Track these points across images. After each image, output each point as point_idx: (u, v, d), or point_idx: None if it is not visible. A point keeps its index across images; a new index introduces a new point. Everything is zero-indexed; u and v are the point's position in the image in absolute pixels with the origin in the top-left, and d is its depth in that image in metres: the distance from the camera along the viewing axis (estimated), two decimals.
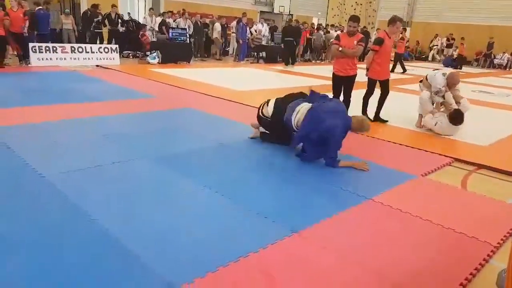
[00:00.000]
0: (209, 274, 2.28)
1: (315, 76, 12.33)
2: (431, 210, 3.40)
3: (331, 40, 18.03)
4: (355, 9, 26.23)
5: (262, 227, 2.90)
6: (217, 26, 15.57)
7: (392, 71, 15.71)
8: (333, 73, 6.27)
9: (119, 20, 14.22)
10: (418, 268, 2.56)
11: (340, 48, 5.94)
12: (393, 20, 6.20)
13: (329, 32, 18.80)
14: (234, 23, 16.59)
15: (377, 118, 6.48)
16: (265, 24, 16.39)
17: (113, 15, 13.83)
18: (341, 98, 6.20)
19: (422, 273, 2.51)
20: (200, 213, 3.07)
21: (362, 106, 6.47)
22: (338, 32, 15.29)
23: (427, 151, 5.10)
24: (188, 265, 2.37)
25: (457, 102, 6.06)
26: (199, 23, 15.10)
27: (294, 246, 2.69)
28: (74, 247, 2.47)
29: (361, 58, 17.54)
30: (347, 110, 5.90)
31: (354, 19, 5.96)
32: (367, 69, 6.45)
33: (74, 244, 2.51)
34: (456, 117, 5.74)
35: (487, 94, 11.41)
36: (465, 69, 19.56)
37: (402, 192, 3.81)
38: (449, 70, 6.89)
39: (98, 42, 13.39)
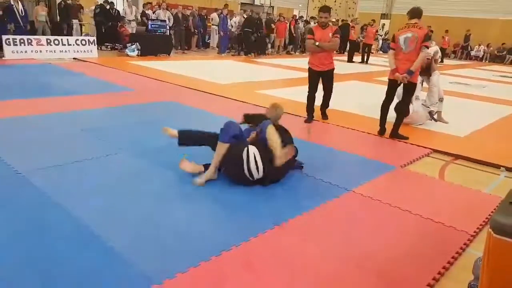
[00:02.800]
0: (191, 269, 2.27)
1: (295, 68, 12.34)
2: (410, 201, 3.46)
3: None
4: (335, 1, 26.30)
5: (244, 221, 2.90)
6: (215, 16, 15.57)
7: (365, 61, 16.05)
8: (309, 68, 5.85)
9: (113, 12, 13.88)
10: (399, 256, 2.60)
11: (317, 43, 5.55)
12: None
13: (309, 23, 18.86)
14: (214, 15, 16.46)
15: (396, 134, 5.36)
16: (244, 16, 16.30)
17: (106, 7, 13.56)
18: (317, 93, 5.90)
19: (403, 261, 2.55)
20: (181, 207, 3.05)
21: (381, 117, 5.46)
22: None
23: (406, 142, 5.18)
24: (170, 260, 2.35)
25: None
26: (179, 14, 14.91)
27: (277, 238, 2.70)
28: (53, 243, 2.42)
29: (340, 51, 17.82)
30: (329, 100, 6.01)
31: (325, 9, 5.60)
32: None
33: (53, 240, 2.46)
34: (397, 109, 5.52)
35: (464, 85, 11.64)
36: (444, 60, 19.91)
37: (382, 183, 3.87)
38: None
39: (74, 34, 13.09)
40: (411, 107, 5.87)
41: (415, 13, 5.04)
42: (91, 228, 2.61)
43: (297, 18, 20.09)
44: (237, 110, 5.34)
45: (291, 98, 7.28)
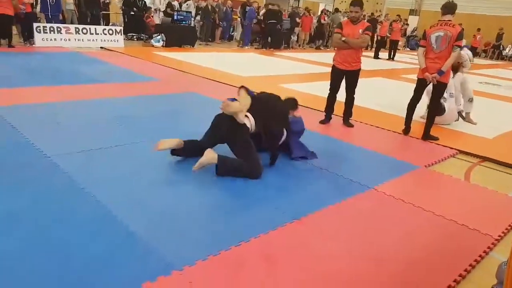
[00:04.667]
0: (211, 257, 2.30)
1: (320, 63, 12.22)
2: (434, 201, 3.40)
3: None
4: None
5: (264, 213, 2.91)
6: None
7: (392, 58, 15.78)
8: (333, 65, 5.38)
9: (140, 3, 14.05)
10: (418, 257, 2.57)
11: (343, 38, 5.11)
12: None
13: (339, 11, 18.58)
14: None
15: (428, 135, 5.19)
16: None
17: None
18: (340, 94, 5.48)
19: (422, 262, 2.52)
20: (202, 197, 3.08)
21: (406, 116, 5.35)
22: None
23: (431, 142, 5.08)
24: (190, 247, 2.39)
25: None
26: (209, 7, 14.96)
27: (295, 232, 2.70)
28: (76, 226, 2.49)
29: (366, 47, 17.48)
30: (351, 108, 5.49)
31: (356, 3, 5.10)
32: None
33: (76, 222, 2.53)
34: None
35: (493, 86, 11.32)
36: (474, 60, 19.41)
37: (405, 183, 3.81)
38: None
39: (103, 23, 13.29)
40: (445, 105, 5.74)
41: (449, 8, 4.84)
42: (114, 213, 2.67)
43: (326, 11, 19.81)
44: None
45: (316, 93, 7.23)
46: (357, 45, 5.14)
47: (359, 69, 5.36)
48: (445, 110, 5.75)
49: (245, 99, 3.64)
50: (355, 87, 5.42)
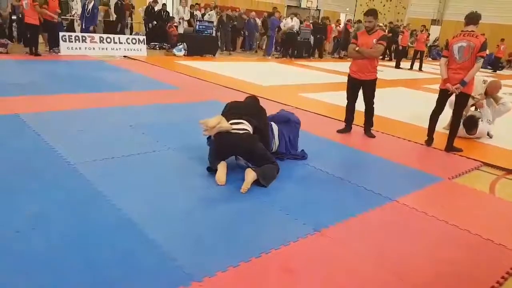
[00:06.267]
0: (231, 268, 2.29)
1: (341, 72, 12.16)
2: (457, 215, 3.32)
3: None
4: (384, 6, 25.74)
5: (285, 224, 2.89)
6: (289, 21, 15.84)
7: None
8: (349, 75, 5.41)
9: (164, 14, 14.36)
10: (441, 272, 2.50)
11: (357, 48, 5.15)
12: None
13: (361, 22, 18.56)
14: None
15: (451, 147, 5.07)
16: (294, 18, 16.27)
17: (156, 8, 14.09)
18: (360, 104, 5.46)
19: (445, 277, 2.45)
20: (222, 206, 3.09)
21: (429, 127, 5.25)
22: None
23: (455, 153, 4.97)
24: (210, 257, 2.38)
25: (498, 103, 5.95)
26: (224, 17, 15.13)
27: (316, 244, 2.67)
28: (97, 232, 2.53)
29: (384, 57, 17.33)
30: (372, 118, 5.45)
31: (370, 12, 5.13)
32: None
33: (97, 228, 2.57)
34: (467, 124, 5.56)
35: None
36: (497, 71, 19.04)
37: (428, 195, 3.73)
38: (489, 78, 6.70)
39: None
40: (485, 126, 5.70)
41: (472, 19, 4.77)
42: (134, 220, 2.69)
43: (352, 21, 19.72)
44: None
45: (338, 103, 7.19)
46: (369, 55, 5.13)
47: (375, 79, 5.32)
48: (477, 130, 5.67)
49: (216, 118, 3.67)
50: (373, 97, 5.37)
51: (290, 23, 15.86)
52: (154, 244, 2.45)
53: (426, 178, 4.08)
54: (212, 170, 3.62)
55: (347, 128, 5.58)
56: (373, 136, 5.46)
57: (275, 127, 4.14)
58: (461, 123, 5.33)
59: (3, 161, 3.51)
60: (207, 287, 2.12)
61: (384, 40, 5.22)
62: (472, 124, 5.62)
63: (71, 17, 12.92)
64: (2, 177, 3.18)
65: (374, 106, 5.42)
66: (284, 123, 4.25)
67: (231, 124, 3.62)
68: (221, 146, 3.64)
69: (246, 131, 3.63)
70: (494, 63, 19.69)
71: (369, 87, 5.33)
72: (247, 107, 3.99)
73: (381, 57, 5.48)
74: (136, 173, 3.51)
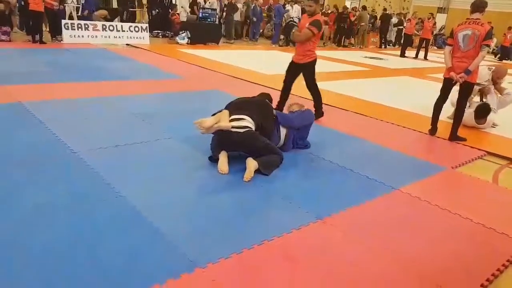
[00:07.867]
0: (234, 255, 2.31)
1: (340, 60, 12.09)
2: (460, 204, 3.32)
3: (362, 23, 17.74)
4: None
5: (287, 212, 2.91)
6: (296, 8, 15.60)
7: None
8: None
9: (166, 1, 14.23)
10: (444, 261, 2.52)
11: (293, 30, 5.22)
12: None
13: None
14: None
15: (455, 137, 5.05)
16: (295, 6, 16.11)
17: None
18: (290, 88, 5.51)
19: (448, 266, 2.47)
20: (226, 194, 3.10)
21: (433, 116, 5.22)
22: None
23: (458, 143, 4.96)
24: (213, 245, 2.40)
25: (503, 93, 5.91)
26: (223, 3, 15.00)
27: (319, 232, 2.68)
28: (101, 221, 2.54)
29: (337, 42, 17.01)
30: (319, 102, 5.43)
31: None
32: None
33: (101, 217, 2.58)
34: (479, 111, 5.55)
35: None
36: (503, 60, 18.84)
37: (431, 184, 3.74)
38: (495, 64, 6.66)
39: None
40: (488, 117, 5.64)
41: (478, 6, 4.70)
42: (138, 209, 2.71)
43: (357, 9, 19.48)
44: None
45: (339, 91, 7.16)
46: (294, 38, 5.27)
47: (307, 63, 5.27)
48: (486, 120, 5.63)
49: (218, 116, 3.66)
50: (310, 80, 5.37)
51: (291, 13, 15.74)
52: (158, 232, 2.47)
53: (429, 167, 4.08)
54: (214, 160, 3.63)
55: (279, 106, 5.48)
56: (321, 115, 5.44)
57: (283, 130, 4.02)
58: (473, 112, 5.33)
59: (8, 149, 3.53)
60: (210, 273, 2.14)
61: (315, 25, 5.02)
62: (485, 112, 5.58)
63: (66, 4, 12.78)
64: (6, 165, 3.20)
65: (318, 89, 5.41)
66: (297, 130, 4.15)
67: (233, 120, 3.57)
68: (222, 143, 3.63)
69: (248, 128, 3.56)
70: (503, 53, 19.45)
71: (304, 70, 5.33)
72: (254, 104, 3.91)
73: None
74: (140, 162, 3.52)
